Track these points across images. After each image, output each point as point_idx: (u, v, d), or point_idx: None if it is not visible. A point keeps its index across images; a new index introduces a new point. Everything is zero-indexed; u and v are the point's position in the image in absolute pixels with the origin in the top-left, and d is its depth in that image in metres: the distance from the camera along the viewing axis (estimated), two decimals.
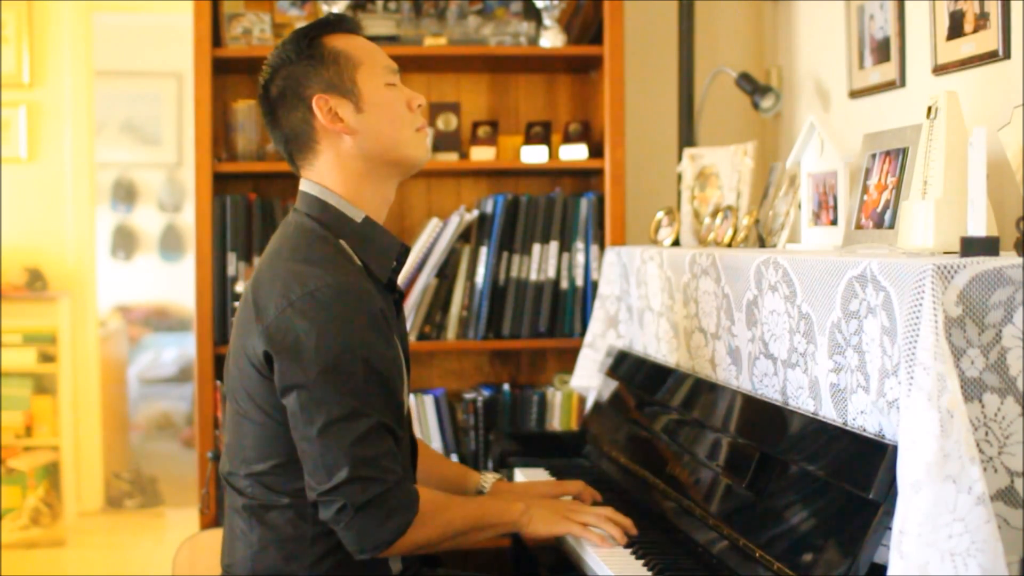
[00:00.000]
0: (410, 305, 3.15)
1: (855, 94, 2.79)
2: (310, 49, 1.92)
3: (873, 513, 1.49)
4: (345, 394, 1.77)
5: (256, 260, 3.18)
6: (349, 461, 1.75)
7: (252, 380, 1.86)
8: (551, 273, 3.25)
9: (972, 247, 1.52)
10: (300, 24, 3.23)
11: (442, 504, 1.90)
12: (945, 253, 1.65)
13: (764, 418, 1.91)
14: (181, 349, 7.06)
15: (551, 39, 3.23)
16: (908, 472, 1.36)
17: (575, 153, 3.29)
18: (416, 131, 1.97)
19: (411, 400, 2.42)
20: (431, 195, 3.42)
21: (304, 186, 1.96)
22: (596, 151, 3.30)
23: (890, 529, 1.40)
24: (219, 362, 3.15)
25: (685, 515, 2.03)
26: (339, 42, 1.94)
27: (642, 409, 2.51)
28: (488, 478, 2.26)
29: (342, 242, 1.90)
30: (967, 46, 2.24)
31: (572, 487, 2.25)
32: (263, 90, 1.97)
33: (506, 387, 3.31)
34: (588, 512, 2.02)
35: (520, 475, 2.51)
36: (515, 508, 1.99)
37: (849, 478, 1.57)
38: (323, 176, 1.94)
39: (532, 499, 2.07)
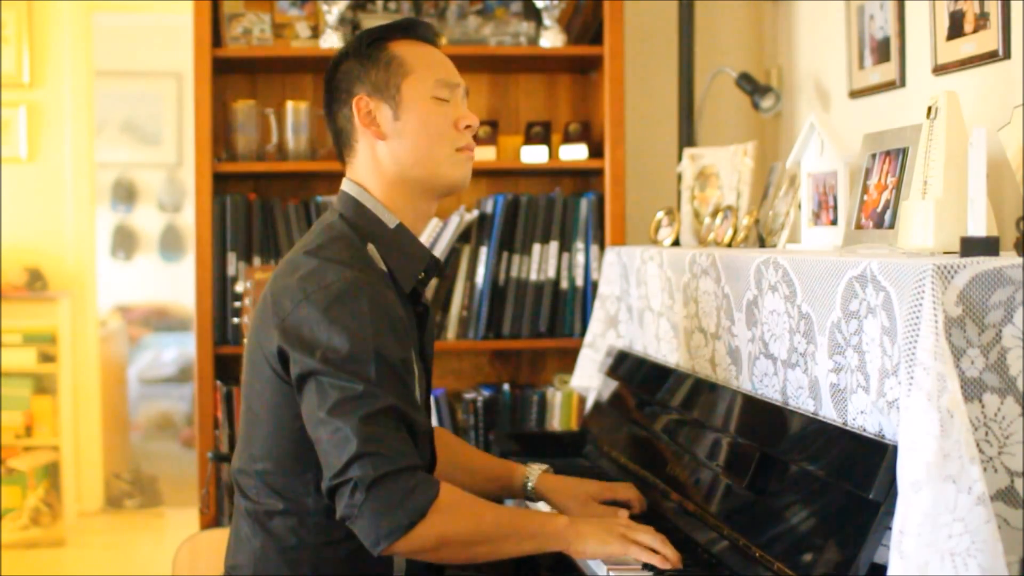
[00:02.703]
0: None
1: (855, 94, 2.79)
2: (368, 49, 1.90)
3: (873, 513, 1.49)
4: (356, 377, 1.73)
5: (256, 260, 3.18)
6: (358, 436, 1.69)
7: (263, 377, 1.85)
8: (551, 273, 3.25)
9: (972, 247, 1.52)
10: (300, 24, 3.25)
11: (470, 499, 1.81)
12: (945, 253, 1.65)
13: (764, 418, 1.91)
14: (181, 349, 7.06)
15: (551, 39, 3.23)
16: (908, 472, 1.36)
17: (575, 153, 3.29)
18: (457, 151, 1.91)
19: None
20: None
21: (345, 185, 1.95)
22: (596, 151, 3.30)
23: (890, 529, 1.40)
24: (219, 362, 3.15)
25: (685, 515, 2.02)
26: (402, 48, 1.91)
27: (642, 409, 2.51)
28: (534, 469, 2.18)
29: (370, 246, 1.88)
30: (967, 46, 2.24)
31: (623, 492, 2.16)
32: (326, 81, 1.96)
33: (506, 387, 3.31)
34: (643, 531, 1.86)
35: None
36: (559, 521, 1.85)
37: (849, 478, 1.57)
38: (362, 176, 1.93)
39: (576, 515, 1.93)
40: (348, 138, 1.93)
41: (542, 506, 2.23)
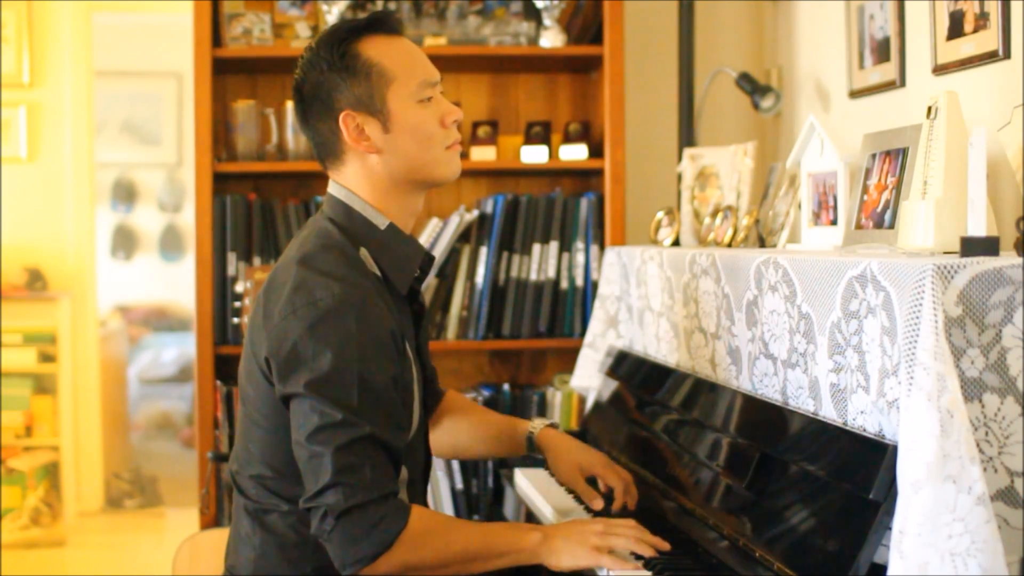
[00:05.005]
0: None
1: (855, 94, 2.79)
2: (343, 60, 1.86)
3: (873, 513, 1.49)
4: (337, 403, 1.74)
5: (256, 260, 3.18)
6: (332, 466, 1.72)
7: (257, 383, 1.85)
8: (551, 273, 3.25)
9: (972, 247, 1.52)
10: (300, 24, 3.25)
11: (440, 525, 1.82)
12: (945, 253, 1.65)
13: (764, 418, 1.91)
14: (181, 349, 7.07)
15: (551, 39, 3.23)
16: (908, 472, 1.36)
17: (575, 153, 3.29)
18: (446, 149, 1.91)
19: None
20: (431, 195, 3.39)
21: (331, 189, 1.93)
22: (596, 151, 3.30)
23: (890, 529, 1.40)
24: (219, 362, 3.15)
25: (685, 515, 2.02)
26: (374, 51, 1.87)
27: (642, 409, 2.51)
28: (537, 424, 2.18)
29: (363, 250, 1.87)
30: (967, 46, 2.24)
31: (613, 479, 2.11)
32: (296, 88, 1.92)
33: (506, 387, 3.31)
34: (618, 535, 1.85)
35: (520, 475, 2.51)
36: (531, 537, 1.83)
37: (849, 478, 1.57)
38: (350, 183, 1.91)
39: (551, 526, 1.93)
40: (334, 149, 1.90)
41: (535, 497, 2.24)
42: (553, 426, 2.20)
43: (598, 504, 2.11)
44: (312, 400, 1.75)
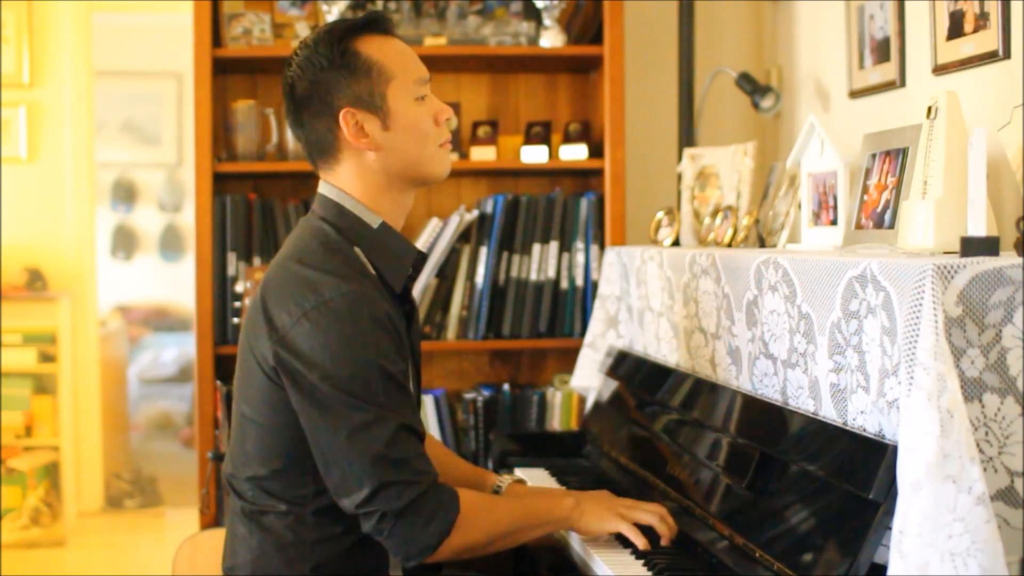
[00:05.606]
0: None
1: (855, 94, 2.79)
2: (343, 58, 1.87)
3: (873, 513, 1.49)
4: (367, 401, 1.75)
5: (256, 260, 3.18)
6: (380, 467, 1.74)
7: (259, 383, 1.85)
8: (551, 273, 3.25)
9: (972, 247, 1.52)
10: (300, 24, 3.25)
11: (486, 504, 1.89)
12: (945, 253, 1.65)
13: (764, 418, 1.91)
14: (181, 349, 7.06)
15: (551, 39, 3.23)
16: (908, 472, 1.36)
17: (575, 153, 3.29)
18: (439, 147, 1.93)
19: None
20: (431, 195, 3.42)
21: (323, 188, 1.93)
22: (596, 151, 3.30)
23: (890, 529, 1.40)
24: (219, 362, 3.15)
25: (685, 515, 2.02)
26: (372, 49, 1.89)
27: (642, 409, 2.51)
28: (505, 479, 2.19)
29: (357, 249, 1.87)
30: (967, 46, 2.24)
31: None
32: (288, 87, 1.93)
33: (506, 387, 3.31)
34: (642, 510, 1.97)
35: (520, 475, 2.50)
36: (565, 503, 1.96)
37: (849, 478, 1.57)
38: (342, 182, 1.91)
39: (581, 493, 2.02)
40: (330, 148, 1.90)
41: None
42: (520, 482, 2.19)
43: None
44: (340, 402, 1.75)
